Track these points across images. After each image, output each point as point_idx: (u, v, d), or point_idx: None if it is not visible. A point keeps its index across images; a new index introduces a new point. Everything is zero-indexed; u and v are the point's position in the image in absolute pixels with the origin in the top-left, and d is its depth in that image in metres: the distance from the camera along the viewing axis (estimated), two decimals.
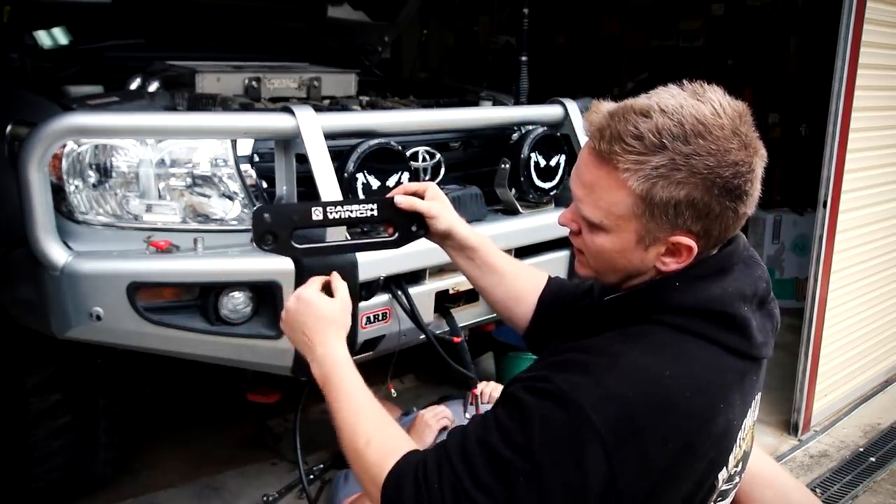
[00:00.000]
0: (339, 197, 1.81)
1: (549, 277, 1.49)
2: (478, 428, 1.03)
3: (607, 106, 1.05)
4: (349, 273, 1.76)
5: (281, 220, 1.28)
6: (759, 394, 1.18)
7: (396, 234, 1.39)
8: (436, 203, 1.39)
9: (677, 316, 1.04)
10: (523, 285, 1.46)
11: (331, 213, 1.31)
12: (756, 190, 1.03)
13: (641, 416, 0.96)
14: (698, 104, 0.99)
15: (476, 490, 0.98)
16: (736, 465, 1.16)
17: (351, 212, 1.33)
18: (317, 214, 1.30)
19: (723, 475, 1.09)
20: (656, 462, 0.97)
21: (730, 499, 1.20)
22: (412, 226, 1.39)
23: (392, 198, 1.37)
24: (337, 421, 1.14)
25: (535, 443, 0.96)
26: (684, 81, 1.03)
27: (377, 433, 1.11)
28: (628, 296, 1.11)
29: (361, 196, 1.90)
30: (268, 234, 1.27)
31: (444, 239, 1.42)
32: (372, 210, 1.34)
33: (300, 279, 1.70)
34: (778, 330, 1.18)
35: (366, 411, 1.14)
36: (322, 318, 1.21)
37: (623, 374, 0.98)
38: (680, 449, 0.98)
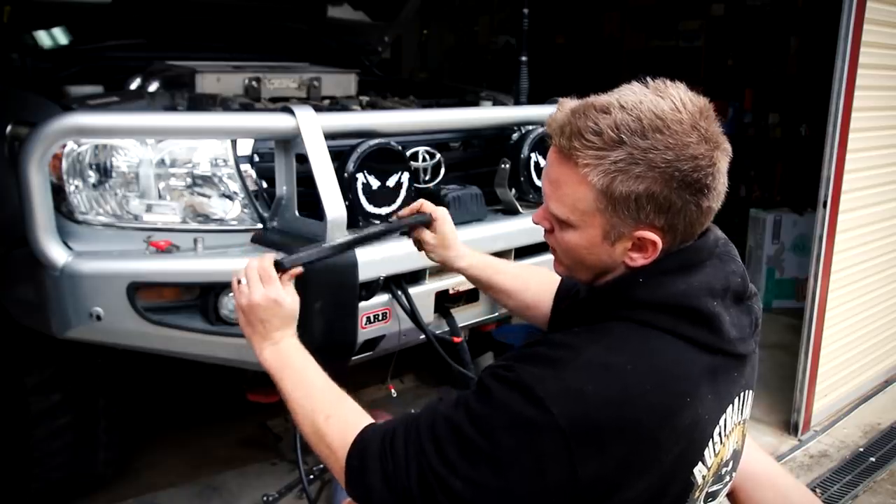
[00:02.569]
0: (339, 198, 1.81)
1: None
2: (449, 407, 1.06)
3: (571, 104, 1.07)
4: (349, 273, 1.76)
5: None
6: (749, 392, 1.18)
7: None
8: (437, 238, 1.59)
9: (642, 311, 1.05)
10: (533, 294, 1.57)
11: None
12: (721, 184, 1.05)
13: (600, 410, 0.97)
14: (658, 100, 1.01)
15: (441, 465, 1.01)
16: (725, 465, 1.16)
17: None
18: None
19: (701, 471, 1.10)
20: (615, 454, 0.98)
21: (720, 498, 1.20)
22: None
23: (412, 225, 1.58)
24: (295, 402, 1.21)
25: (497, 428, 0.99)
26: (647, 79, 1.05)
27: (335, 408, 1.18)
28: (596, 293, 1.13)
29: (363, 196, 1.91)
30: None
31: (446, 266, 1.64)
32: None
33: (300, 279, 1.70)
34: (759, 325, 1.18)
35: (323, 391, 1.21)
36: (287, 317, 1.30)
37: (584, 369, 1.00)
38: (641, 442, 0.99)
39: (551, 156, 1.08)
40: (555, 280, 1.50)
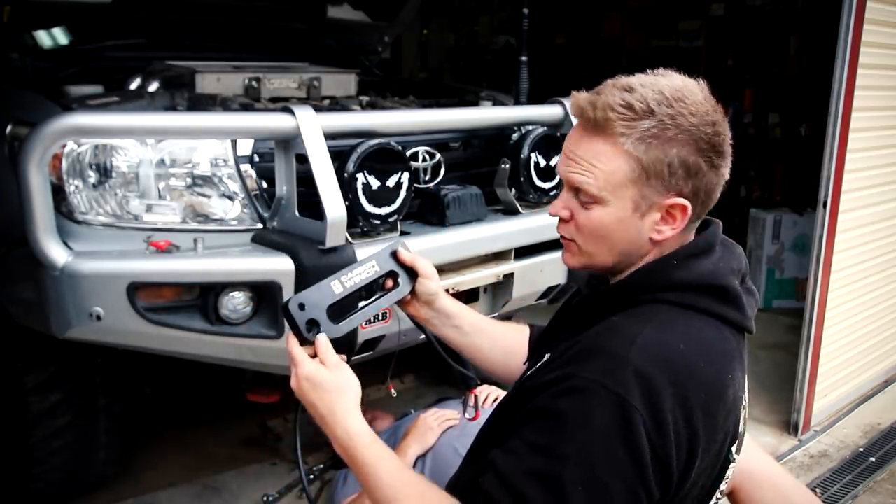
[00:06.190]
0: (339, 198, 1.81)
1: (531, 326, 1.51)
2: (512, 461, 1.00)
3: (586, 92, 1.13)
4: None
5: (312, 305, 1.25)
6: (745, 375, 1.22)
7: (399, 285, 1.38)
8: (431, 268, 1.38)
9: (678, 293, 1.09)
10: (512, 340, 1.47)
11: (346, 282, 1.31)
12: (730, 153, 1.11)
13: (667, 388, 0.99)
14: (668, 80, 1.10)
15: None
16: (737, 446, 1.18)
17: (360, 274, 1.33)
18: (337, 288, 1.29)
19: (735, 449, 1.13)
20: (685, 431, 1.00)
21: (727, 481, 1.21)
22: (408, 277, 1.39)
23: (395, 250, 1.37)
24: (369, 494, 1.10)
25: (583, 445, 0.96)
26: (648, 71, 1.13)
27: (411, 499, 1.06)
28: (629, 278, 1.14)
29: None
30: (309, 324, 1.23)
31: (428, 305, 1.40)
32: (374, 266, 1.34)
33: (300, 279, 1.70)
34: (758, 305, 1.23)
35: (393, 482, 1.07)
36: (327, 391, 1.13)
37: (642, 351, 1.01)
38: (703, 418, 1.02)
39: (577, 135, 1.11)
40: (525, 331, 1.48)
